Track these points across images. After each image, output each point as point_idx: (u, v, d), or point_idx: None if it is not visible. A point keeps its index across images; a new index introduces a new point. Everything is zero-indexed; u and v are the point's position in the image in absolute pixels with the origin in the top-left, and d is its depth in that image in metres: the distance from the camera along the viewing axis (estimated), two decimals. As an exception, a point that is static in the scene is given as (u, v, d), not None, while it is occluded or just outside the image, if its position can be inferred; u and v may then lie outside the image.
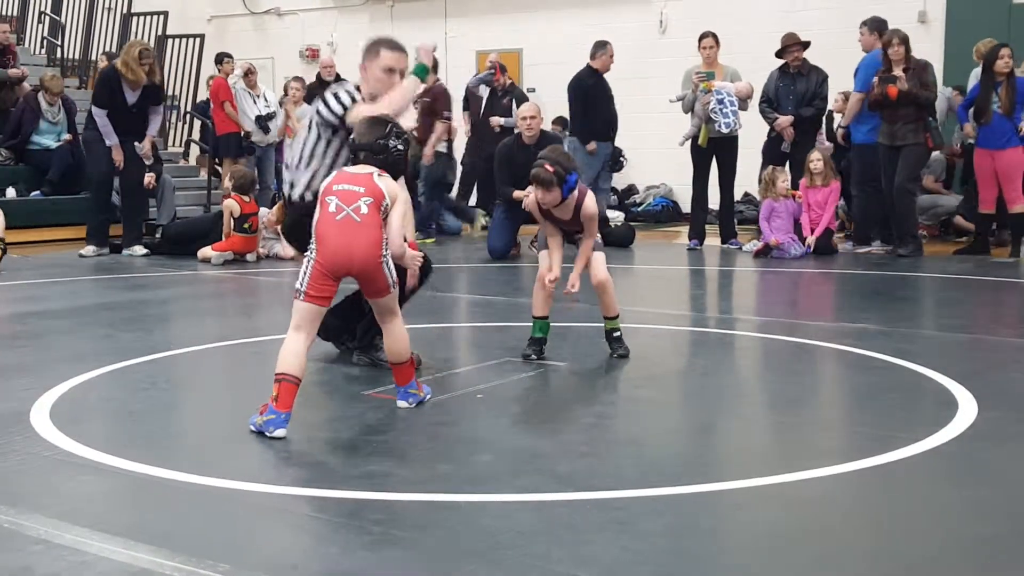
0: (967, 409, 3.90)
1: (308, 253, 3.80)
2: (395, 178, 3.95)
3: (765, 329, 5.74)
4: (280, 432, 3.57)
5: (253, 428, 3.64)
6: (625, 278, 8.45)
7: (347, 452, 3.56)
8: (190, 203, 12.44)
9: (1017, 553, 2.63)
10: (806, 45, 9.91)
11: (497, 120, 11.75)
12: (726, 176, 10.14)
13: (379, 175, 3.86)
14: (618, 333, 5.03)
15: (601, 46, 10.53)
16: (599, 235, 5.00)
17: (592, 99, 10.38)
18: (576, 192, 4.69)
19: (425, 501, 2.98)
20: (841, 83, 10.33)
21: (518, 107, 11.83)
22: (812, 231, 9.32)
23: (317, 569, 2.53)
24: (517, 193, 5.46)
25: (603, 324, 5.07)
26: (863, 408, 4.32)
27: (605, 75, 10.45)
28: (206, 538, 2.72)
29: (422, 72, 4.93)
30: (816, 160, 9.36)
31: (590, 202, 4.78)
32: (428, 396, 4.09)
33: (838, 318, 6.61)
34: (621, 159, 11.46)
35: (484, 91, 12.05)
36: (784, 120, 9.75)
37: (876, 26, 9.69)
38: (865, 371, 4.87)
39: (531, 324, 4.98)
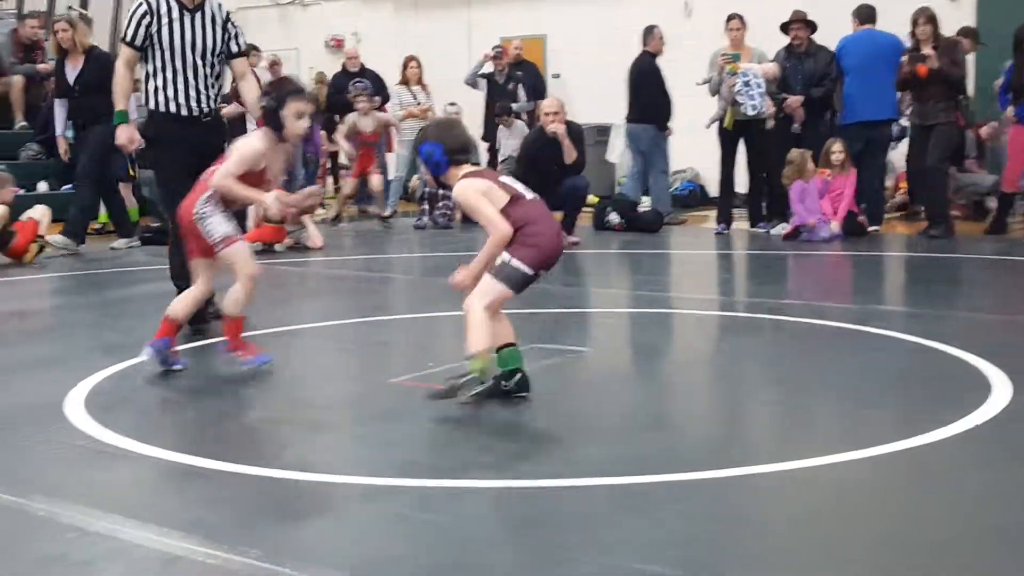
0: (1001, 391, 3.86)
1: None
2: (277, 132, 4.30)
3: (794, 312, 5.71)
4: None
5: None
6: (654, 263, 8.43)
7: (372, 439, 3.58)
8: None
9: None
10: (812, 25, 9.81)
11: (507, 120, 11.77)
12: (753, 159, 10.09)
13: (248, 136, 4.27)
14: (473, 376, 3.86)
15: (649, 31, 10.69)
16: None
17: (657, 83, 10.58)
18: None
19: (452, 487, 3.00)
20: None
21: (525, 91, 11.86)
22: (835, 214, 9.26)
23: (350, 555, 2.55)
24: None
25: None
26: (895, 391, 4.29)
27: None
28: (238, 525, 2.75)
29: None
30: (838, 152, 9.30)
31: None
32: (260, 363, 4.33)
33: (868, 300, 6.56)
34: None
35: (482, 84, 12.07)
36: (795, 100, 9.67)
37: (860, 14, 9.80)
38: (896, 354, 4.84)
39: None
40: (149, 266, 8.47)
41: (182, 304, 4.50)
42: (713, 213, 10.67)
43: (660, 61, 10.88)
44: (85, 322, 5.92)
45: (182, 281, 5.08)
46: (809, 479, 3.06)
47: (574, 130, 9.30)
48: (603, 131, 13.05)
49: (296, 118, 4.27)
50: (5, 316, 6.80)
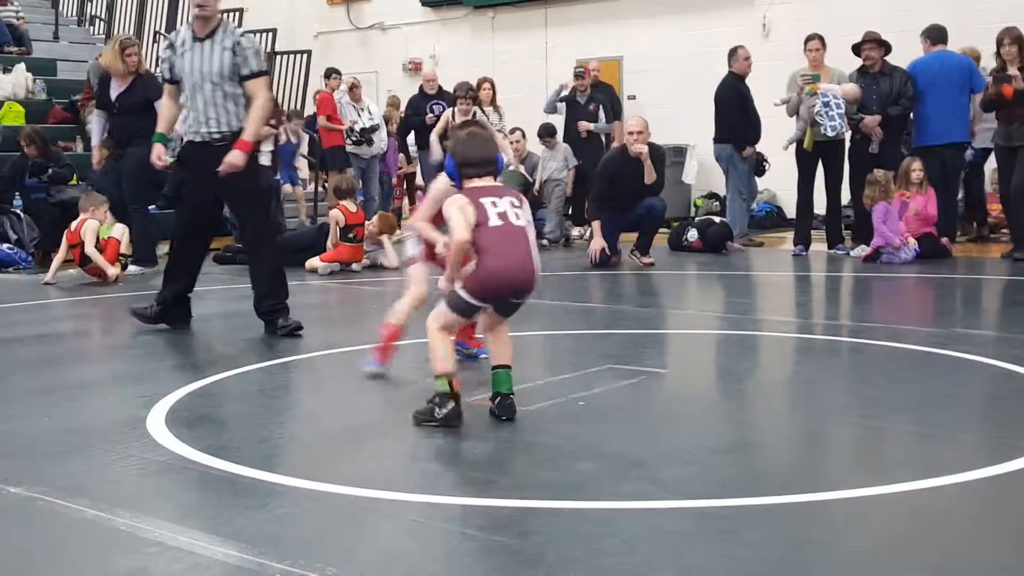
0: (1090, 418, 3.75)
1: None
2: None
3: (875, 335, 5.60)
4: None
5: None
6: (731, 284, 8.36)
7: (451, 459, 3.59)
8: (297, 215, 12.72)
9: None
10: (885, 45, 9.66)
11: (586, 125, 11.76)
12: (832, 180, 9.96)
13: None
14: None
15: (733, 52, 10.69)
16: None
17: (743, 104, 10.57)
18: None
19: (526, 507, 2.99)
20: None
21: (604, 112, 11.86)
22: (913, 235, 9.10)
23: (420, 573, 2.55)
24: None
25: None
26: (979, 416, 4.19)
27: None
28: (314, 542, 2.77)
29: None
30: (917, 171, 9.15)
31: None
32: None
33: (951, 323, 6.41)
34: (764, 163, 11.38)
35: (561, 107, 12.06)
36: (872, 120, 9.51)
37: (931, 34, 9.75)
38: (981, 378, 4.72)
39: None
40: (229, 284, 8.63)
41: (402, 310, 4.78)
42: (791, 235, 10.54)
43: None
44: (166, 339, 6.04)
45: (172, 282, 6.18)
46: (891, 505, 2.99)
47: (656, 151, 9.28)
48: (679, 152, 13.00)
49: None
50: (89, 333, 6.99)
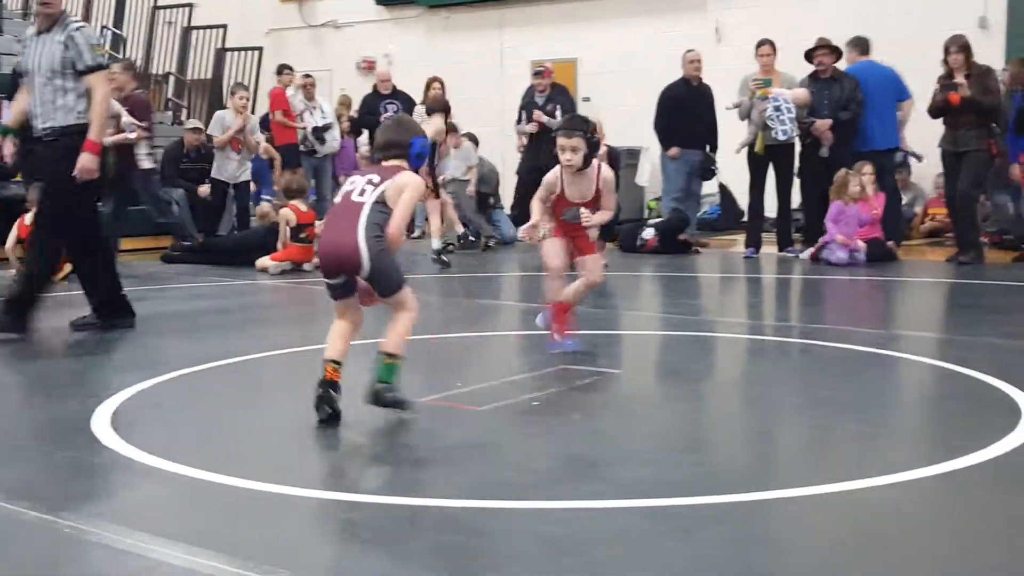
0: (1034, 418, 3.81)
1: None
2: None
3: (824, 337, 5.66)
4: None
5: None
6: (684, 286, 8.41)
7: (404, 459, 3.57)
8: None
9: (1090, 565, 2.55)
10: (837, 52, 9.83)
11: (540, 115, 11.73)
12: (783, 184, 10.07)
13: None
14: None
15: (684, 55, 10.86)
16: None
17: (678, 108, 10.80)
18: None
19: (481, 508, 2.98)
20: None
21: (561, 113, 11.85)
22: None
23: (376, 575, 2.53)
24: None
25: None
26: (925, 416, 4.25)
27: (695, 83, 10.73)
28: (267, 544, 2.73)
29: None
30: (868, 175, 9.36)
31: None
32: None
33: (898, 325, 6.51)
34: (712, 168, 11.42)
35: (530, 127, 11.89)
36: (823, 124, 9.64)
37: (858, 44, 10.15)
38: (926, 379, 4.80)
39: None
40: (177, 284, 8.53)
41: (573, 290, 5.29)
42: (742, 237, 10.63)
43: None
44: (114, 339, 5.95)
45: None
46: (842, 503, 3.02)
47: (610, 153, 9.32)
48: (633, 155, 13.06)
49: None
50: (34, 331, 6.86)
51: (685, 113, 10.77)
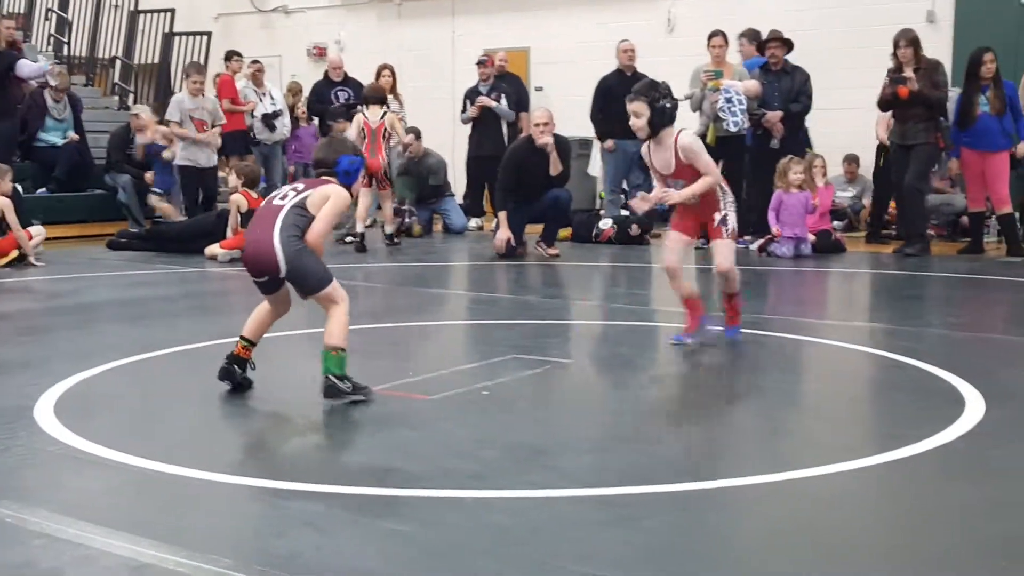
0: (975, 407, 3.87)
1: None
2: None
3: (770, 327, 5.71)
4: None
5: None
6: (635, 276, 8.44)
7: (353, 448, 3.55)
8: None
9: (1028, 551, 2.60)
10: (788, 44, 9.90)
11: (484, 99, 11.71)
12: (734, 175, 10.12)
13: None
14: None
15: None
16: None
17: (612, 99, 10.66)
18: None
19: (431, 497, 2.97)
20: (849, 83, 10.29)
21: (508, 102, 11.86)
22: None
23: (322, 564, 2.51)
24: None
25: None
26: (870, 406, 4.30)
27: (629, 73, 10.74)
28: (210, 533, 2.70)
29: None
30: (819, 167, 9.46)
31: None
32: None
33: (844, 316, 6.58)
34: None
35: (471, 111, 11.93)
36: (774, 115, 9.72)
37: (753, 36, 10.34)
38: (872, 369, 4.86)
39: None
40: (122, 271, 8.41)
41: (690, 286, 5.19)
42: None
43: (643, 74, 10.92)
44: (57, 326, 5.85)
45: None
46: (786, 492, 3.05)
47: (562, 143, 9.30)
48: (585, 145, 13.07)
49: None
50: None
51: (620, 104, 10.75)
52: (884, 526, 2.82)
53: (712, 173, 4.96)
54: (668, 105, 4.92)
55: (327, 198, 4.04)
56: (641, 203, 5.23)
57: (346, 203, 4.13)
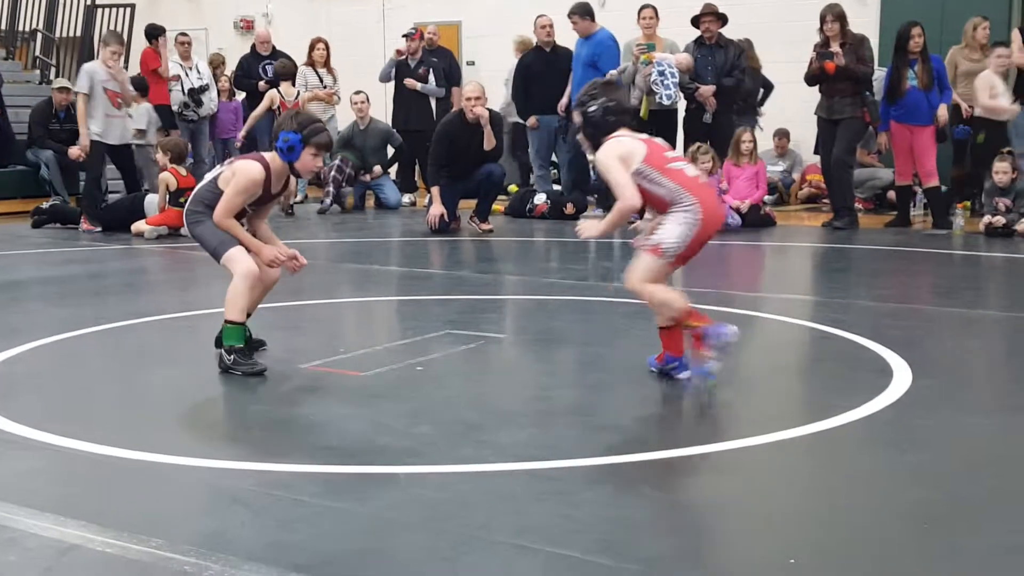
0: (902, 377, 3.95)
1: None
2: None
3: (700, 300, 5.75)
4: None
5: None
6: (568, 251, 8.46)
7: (285, 425, 3.51)
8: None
9: (951, 516, 2.66)
10: (723, 18, 9.95)
11: (412, 82, 11.65)
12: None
13: None
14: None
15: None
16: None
17: (532, 76, 10.65)
18: None
19: (363, 473, 2.95)
20: (784, 59, 10.41)
21: (436, 77, 11.80)
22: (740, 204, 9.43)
23: (253, 542, 2.48)
24: None
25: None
26: (799, 377, 4.37)
27: (549, 48, 10.62)
28: (138, 513, 2.66)
29: None
30: (747, 141, 9.54)
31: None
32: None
33: (773, 289, 6.67)
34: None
35: (392, 73, 11.91)
36: (707, 89, 9.78)
37: (585, 11, 10.27)
38: (801, 341, 4.93)
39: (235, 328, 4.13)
40: (47, 248, 8.22)
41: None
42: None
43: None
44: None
45: None
46: (722, 462, 3.09)
47: (493, 118, 9.25)
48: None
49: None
50: None
51: (540, 80, 10.77)
52: (813, 495, 2.87)
53: (623, 197, 3.89)
54: (594, 109, 3.98)
55: (234, 174, 4.15)
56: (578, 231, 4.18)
57: (249, 179, 4.12)
